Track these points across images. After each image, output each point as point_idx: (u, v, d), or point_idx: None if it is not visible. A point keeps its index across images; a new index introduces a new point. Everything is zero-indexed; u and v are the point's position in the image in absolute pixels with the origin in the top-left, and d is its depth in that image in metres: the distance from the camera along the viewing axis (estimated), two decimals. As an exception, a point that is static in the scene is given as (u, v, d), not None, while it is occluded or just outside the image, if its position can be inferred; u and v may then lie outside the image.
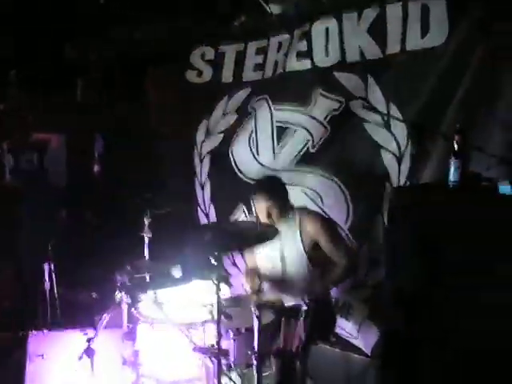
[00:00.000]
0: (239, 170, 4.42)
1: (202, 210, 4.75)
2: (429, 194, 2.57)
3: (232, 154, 4.45)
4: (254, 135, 4.33)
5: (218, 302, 2.71)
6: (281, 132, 4.19)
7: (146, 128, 5.09)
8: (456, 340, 2.32)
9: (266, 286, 3.49)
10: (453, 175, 2.53)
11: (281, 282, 3.52)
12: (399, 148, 3.68)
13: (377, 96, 3.74)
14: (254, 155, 4.33)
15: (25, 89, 5.40)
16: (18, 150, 4.72)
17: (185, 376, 2.91)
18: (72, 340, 3.18)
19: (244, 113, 4.43)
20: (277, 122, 4.21)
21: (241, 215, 4.41)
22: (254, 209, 3.80)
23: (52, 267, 4.29)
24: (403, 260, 2.44)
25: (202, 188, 4.70)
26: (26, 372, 3.09)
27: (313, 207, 3.92)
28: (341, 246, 3.50)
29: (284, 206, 3.45)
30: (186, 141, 4.75)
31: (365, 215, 3.87)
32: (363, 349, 3.73)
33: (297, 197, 3.86)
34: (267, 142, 4.25)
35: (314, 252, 3.46)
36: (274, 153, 4.23)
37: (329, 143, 3.99)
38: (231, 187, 4.47)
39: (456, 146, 2.51)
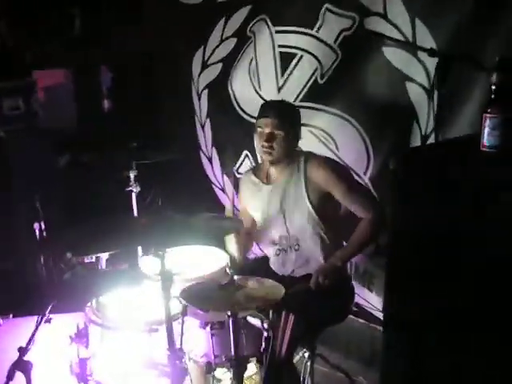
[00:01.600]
0: (240, 106, 3.66)
1: (204, 154, 4.07)
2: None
3: (231, 88, 3.69)
4: (254, 64, 3.53)
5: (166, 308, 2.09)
6: (284, 60, 3.38)
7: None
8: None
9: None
10: (487, 137, 1.73)
11: (283, 251, 2.85)
12: (429, 80, 2.82)
13: (398, 11, 2.84)
14: (255, 89, 3.55)
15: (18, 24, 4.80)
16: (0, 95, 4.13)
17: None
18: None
19: (244, 36, 3.61)
20: (279, 46, 3.38)
21: (246, 163, 3.71)
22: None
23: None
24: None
25: (203, 129, 4.00)
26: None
27: (324, 151, 3.17)
28: (364, 195, 2.79)
29: (293, 139, 2.76)
30: (183, 73, 4.01)
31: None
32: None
33: (305, 138, 3.08)
34: (269, 72, 3.45)
35: (325, 208, 2.75)
36: (277, 85, 3.43)
37: (340, 73, 3.16)
38: (233, 128, 3.74)
39: (494, 91, 1.70)
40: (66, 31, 5.01)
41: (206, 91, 3.88)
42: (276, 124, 2.69)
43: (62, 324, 2.58)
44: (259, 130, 2.75)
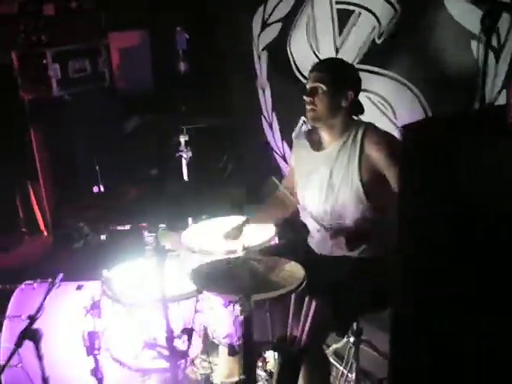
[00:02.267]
0: (298, 69, 3.41)
1: (265, 118, 3.87)
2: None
3: (290, 50, 3.44)
4: (312, 23, 3.25)
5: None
6: (342, 18, 3.07)
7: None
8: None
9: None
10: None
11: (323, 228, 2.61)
12: (499, 38, 2.43)
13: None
14: (313, 50, 3.28)
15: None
16: (66, 58, 4.13)
17: (154, 364, 2.25)
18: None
19: (303, -7, 3.34)
20: (336, 3, 3.08)
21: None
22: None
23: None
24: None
25: (264, 92, 3.79)
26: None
27: (381, 119, 2.88)
28: None
29: (339, 96, 2.41)
30: (244, 34, 3.80)
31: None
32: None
33: None
34: (327, 31, 3.16)
35: (375, 189, 2.42)
36: (335, 46, 3.14)
37: (399, 31, 2.81)
38: (291, 92, 3.49)
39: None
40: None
41: (265, 52, 3.65)
42: (319, 77, 2.40)
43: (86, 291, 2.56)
44: (307, 86, 2.49)
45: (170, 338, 1.97)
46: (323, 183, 2.52)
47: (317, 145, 2.59)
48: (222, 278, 2.13)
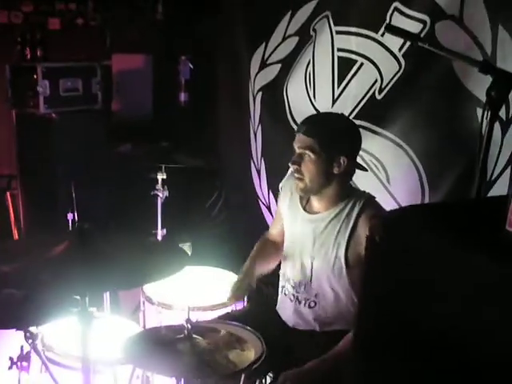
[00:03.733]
0: (292, 116, 3.15)
1: (254, 164, 3.60)
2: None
3: (286, 94, 3.18)
4: (311, 68, 3.00)
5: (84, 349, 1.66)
6: (343, 67, 2.82)
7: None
8: None
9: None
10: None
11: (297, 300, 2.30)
12: (508, 110, 2.16)
13: (477, 15, 2.20)
14: (310, 98, 3.02)
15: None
16: (57, 75, 3.91)
17: None
18: None
19: (307, 35, 3.09)
20: (339, 50, 2.83)
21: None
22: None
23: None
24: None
25: (255, 136, 3.53)
26: None
27: (373, 181, 2.60)
28: None
29: (329, 164, 2.10)
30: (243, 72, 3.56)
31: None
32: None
33: None
34: (326, 79, 2.91)
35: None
36: (333, 97, 2.88)
37: (401, 88, 2.55)
38: (283, 139, 3.21)
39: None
40: (148, 16, 4.79)
41: (260, 94, 3.40)
42: (306, 143, 2.11)
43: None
44: (294, 147, 2.21)
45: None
46: (304, 250, 2.23)
47: (308, 204, 2.29)
48: (159, 351, 1.82)
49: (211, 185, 4.24)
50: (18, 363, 2.02)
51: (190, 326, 1.81)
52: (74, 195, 3.56)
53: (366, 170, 2.28)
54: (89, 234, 1.58)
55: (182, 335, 1.81)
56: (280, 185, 2.83)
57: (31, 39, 3.95)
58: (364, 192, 2.19)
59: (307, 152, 2.11)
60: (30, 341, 1.92)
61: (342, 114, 2.32)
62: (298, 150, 2.16)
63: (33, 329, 1.98)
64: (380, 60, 2.63)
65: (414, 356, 1.16)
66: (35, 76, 3.85)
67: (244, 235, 3.38)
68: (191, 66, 4.84)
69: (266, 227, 3.24)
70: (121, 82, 4.62)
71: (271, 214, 3.47)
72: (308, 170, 2.12)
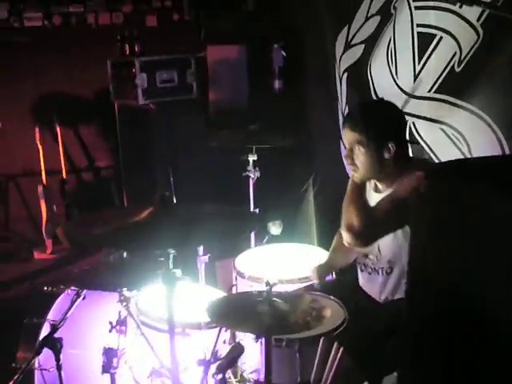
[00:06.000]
0: (377, 95, 3.20)
1: (344, 144, 3.66)
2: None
3: (370, 73, 3.23)
4: (392, 46, 3.04)
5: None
6: (422, 41, 2.84)
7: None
8: None
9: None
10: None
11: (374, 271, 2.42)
12: None
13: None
14: (392, 75, 3.06)
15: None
16: (154, 68, 4.21)
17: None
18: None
19: (388, 14, 3.13)
20: (418, 26, 2.84)
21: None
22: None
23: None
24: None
25: (344, 116, 3.60)
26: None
27: (455, 153, 2.62)
28: None
29: (380, 154, 2.21)
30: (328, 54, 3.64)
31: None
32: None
33: (434, 136, 2.67)
34: (407, 56, 2.93)
35: None
36: (414, 73, 2.90)
37: (480, 60, 2.54)
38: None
39: None
40: (239, 7, 4.97)
41: (345, 75, 3.47)
42: (353, 138, 2.24)
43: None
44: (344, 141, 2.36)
45: (175, 369, 1.87)
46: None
47: (375, 186, 2.41)
48: (242, 313, 2.00)
49: (303, 166, 4.35)
50: (117, 327, 2.27)
51: (270, 289, 1.96)
52: (172, 181, 3.83)
53: (418, 143, 2.32)
54: (169, 200, 1.78)
55: (262, 298, 1.97)
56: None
57: (130, 36, 4.28)
58: (423, 159, 2.24)
59: (356, 146, 2.22)
60: (125, 303, 2.16)
61: (382, 98, 2.40)
62: (347, 146, 2.27)
63: (127, 293, 2.22)
64: (458, 32, 2.62)
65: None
66: (133, 70, 4.17)
67: (333, 214, 3.47)
68: (284, 54, 4.96)
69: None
70: (216, 73, 4.84)
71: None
72: (361, 161, 2.24)
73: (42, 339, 2.16)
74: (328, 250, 2.74)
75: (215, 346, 2.11)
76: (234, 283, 2.89)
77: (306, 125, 4.12)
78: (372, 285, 2.44)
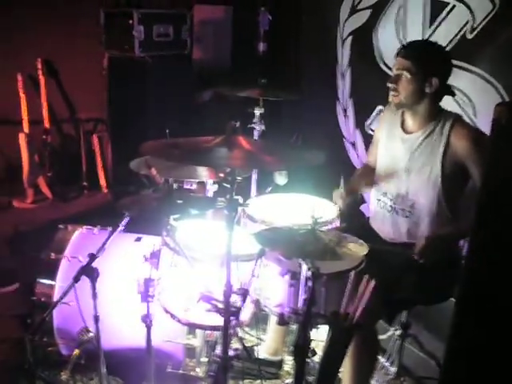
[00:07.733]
0: (382, 58, 3.38)
1: (340, 104, 3.85)
2: None
3: (376, 37, 3.40)
4: (402, 12, 3.21)
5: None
6: (434, 9, 3.02)
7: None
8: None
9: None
10: None
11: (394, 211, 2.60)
12: None
13: None
14: (399, 40, 3.24)
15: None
16: (151, 21, 4.22)
17: (207, 321, 2.29)
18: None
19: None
20: (430, -6, 3.04)
21: (377, 119, 3.43)
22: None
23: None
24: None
25: (343, 78, 3.77)
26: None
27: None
28: None
29: (422, 83, 2.37)
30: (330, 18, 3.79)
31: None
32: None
33: None
34: (417, 21, 3.12)
35: (454, 181, 2.40)
36: (422, 38, 3.09)
37: (493, 28, 2.74)
38: (371, 80, 3.46)
39: None
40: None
41: (350, 38, 3.63)
42: (404, 64, 2.38)
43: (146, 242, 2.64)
44: (393, 70, 2.49)
45: (228, 292, 2.00)
46: (400, 165, 2.52)
47: (404, 124, 2.57)
48: (286, 242, 2.15)
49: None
50: (150, 260, 2.37)
51: (315, 220, 2.11)
52: (167, 132, 3.87)
53: (455, 95, 2.50)
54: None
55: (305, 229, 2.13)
56: (378, 108, 3.12)
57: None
58: (451, 112, 2.43)
59: (404, 72, 2.37)
60: (165, 233, 2.28)
61: (437, 42, 2.57)
62: (396, 72, 2.42)
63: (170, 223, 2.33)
64: (473, 1, 2.81)
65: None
66: (131, 21, 4.15)
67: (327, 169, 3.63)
68: (270, 18, 5.06)
69: (349, 161, 3.52)
70: (201, 32, 4.88)
71: (356, 150, 3.73)
72: (403, 88, 2.39)
73: (81, 268, 2.22)
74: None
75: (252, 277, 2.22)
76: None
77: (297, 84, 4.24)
78: (384, 223, 2.61)
